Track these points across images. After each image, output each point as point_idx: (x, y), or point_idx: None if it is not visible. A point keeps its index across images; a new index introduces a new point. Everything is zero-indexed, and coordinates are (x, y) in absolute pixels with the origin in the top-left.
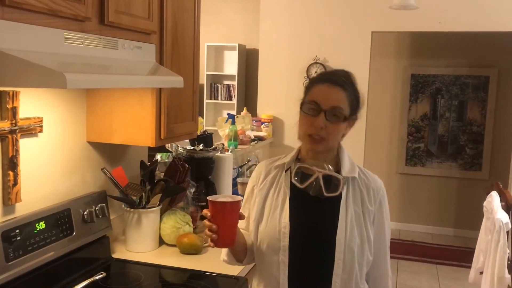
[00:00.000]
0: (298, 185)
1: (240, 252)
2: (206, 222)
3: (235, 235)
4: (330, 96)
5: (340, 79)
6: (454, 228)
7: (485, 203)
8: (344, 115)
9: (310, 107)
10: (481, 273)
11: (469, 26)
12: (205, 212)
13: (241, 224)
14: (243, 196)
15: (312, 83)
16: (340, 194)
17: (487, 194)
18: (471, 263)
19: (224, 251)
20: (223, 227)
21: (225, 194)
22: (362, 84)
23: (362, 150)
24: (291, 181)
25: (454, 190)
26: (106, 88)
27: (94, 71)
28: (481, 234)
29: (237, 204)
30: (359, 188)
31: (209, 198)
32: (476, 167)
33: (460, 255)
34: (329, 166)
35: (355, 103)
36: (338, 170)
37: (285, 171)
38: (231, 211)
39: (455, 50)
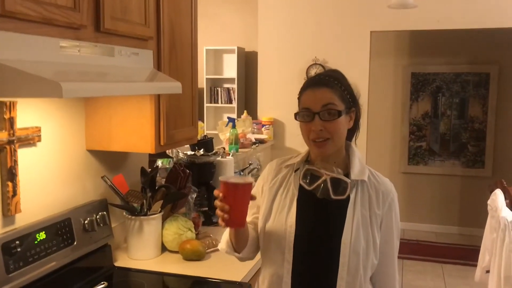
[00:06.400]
0: (306, 186)
1: (242, 240)
2: (217, 202)
3: (246, 216)
4: (316, 97)
5: (324, 79)
6: (459, 226)
7: (489, 201)
8: (337, 110)
9: (304, 114)
10: (487, 271)
11: (468, 23)
12: (217, 192)
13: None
14: None
15: (300, 92)
16: (348, 197)
17: (491, 192)
18: (477, 261)
19: (224, 240)
20: (235, 208)
21: (235, 176)
22: (362, 84)
23: (364, 151)
24: (299, 182)
25: (457, 188)
26: (104, 96)
27: (91, 79)
28: (486, 232)
29: (249, 186)
30: (368, 191)
31: (221, 178)
32: (479, 165)
33: (465, 254)
34: (338, 169)
35: (347, 96)
36: (347, 172)
37: (294, 172)
38: (243, 192)
39: (454, 48)
